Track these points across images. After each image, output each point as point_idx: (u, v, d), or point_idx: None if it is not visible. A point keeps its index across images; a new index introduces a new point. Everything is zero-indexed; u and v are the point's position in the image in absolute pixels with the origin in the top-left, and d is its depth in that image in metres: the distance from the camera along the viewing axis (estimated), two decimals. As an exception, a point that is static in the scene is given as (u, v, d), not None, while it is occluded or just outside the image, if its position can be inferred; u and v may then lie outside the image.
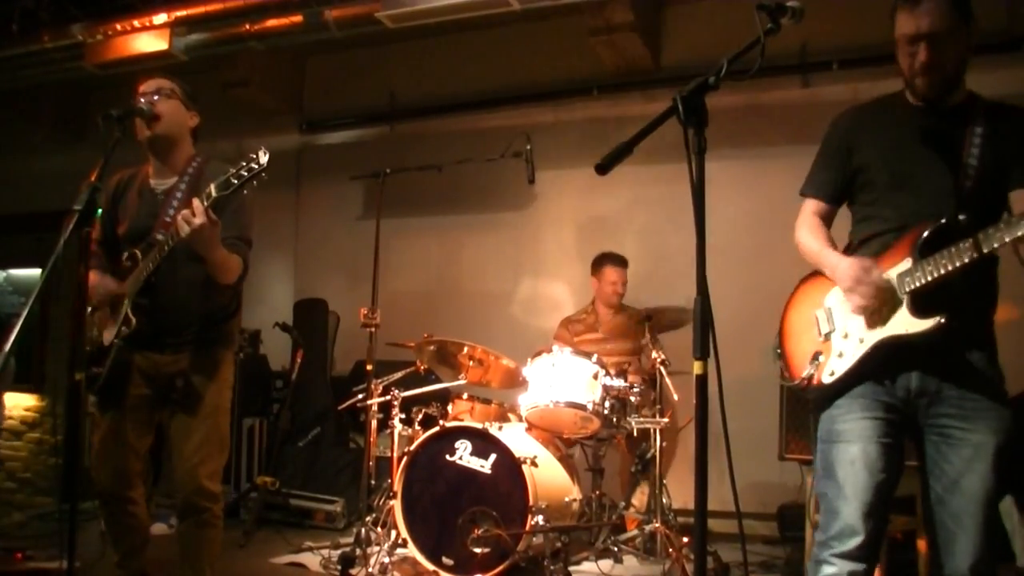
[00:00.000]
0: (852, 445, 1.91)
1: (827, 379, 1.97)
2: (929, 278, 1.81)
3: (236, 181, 2.33)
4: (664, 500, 3.78)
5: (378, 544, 3.61)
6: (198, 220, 2.33)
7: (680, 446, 4.54)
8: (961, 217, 1.84)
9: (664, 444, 3.81)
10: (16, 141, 6.75)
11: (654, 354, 3.90)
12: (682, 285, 3.86)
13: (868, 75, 4.51)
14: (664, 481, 3.82)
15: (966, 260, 1.75)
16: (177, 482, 2.62)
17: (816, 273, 2.13)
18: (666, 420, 3.79)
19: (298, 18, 4.80)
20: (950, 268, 1.77)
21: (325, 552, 3.87)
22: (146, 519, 2.77)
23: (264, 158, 2.31)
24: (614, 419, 3.73)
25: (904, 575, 3.21)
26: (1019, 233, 1.68)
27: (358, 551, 3.60)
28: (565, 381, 3.65)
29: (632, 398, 3.79)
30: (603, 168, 1.67)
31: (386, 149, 5.79)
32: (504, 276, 5.53)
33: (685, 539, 3.62)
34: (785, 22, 1.67)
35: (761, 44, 1.66)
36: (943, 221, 1.85)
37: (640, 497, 4.13)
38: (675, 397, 3.82)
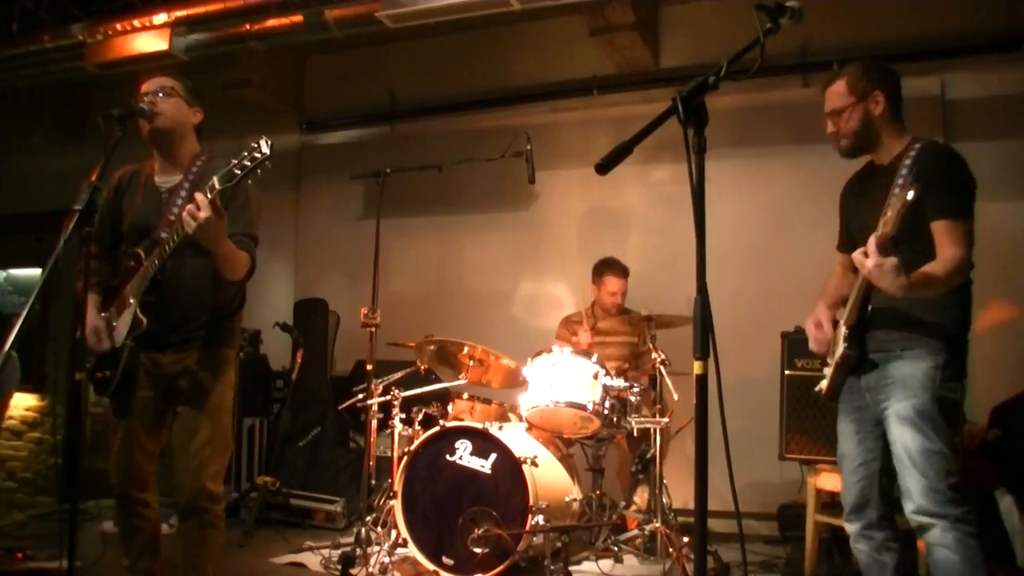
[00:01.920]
0: (842, 443, 2.47)
1: (825, 392, 2.51)
2: (851, 314, 2.32)
3: (239, 172, 2.31)
4: (664, 500, 3.78)
5: (378, 544, 3.61)
6: (203, 213, 2.31)
7: (680, 446, 4.54)
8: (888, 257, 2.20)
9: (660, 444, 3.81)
10: (16, 141, 6.75)
11: (654, 354, 3.90)
12: (682, 284, 3.87)
13: (868, 75, 4.52)
14: (664, 481, 3.82)
15: (859, 294, 2.28)
16: (179, 483, 2.61)
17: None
18: (666, 420, 3.79)
19: (298, 18, 4.80)
20: (859, 302, 2.29)
21: (325, 552, 3.87)
22: (158, 521, 2.76)
23: (266, 147, 2.30)
24: (614, 419, 3.73)
25: (904, 575, 3.21)
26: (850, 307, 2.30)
27: (358, 551, 3.60)
28: (565, 381, 3.65)
29: (632, 398, 3.79)
30: (603, 168, 1.67)
31: (386, 149, 5.79)
32: (504, 276, 5.53)
33: (685, 539, 3.62)
34: (785, 22, 1.68)
35: (761, 44, 1.66)
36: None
37: (640, 497, 4.13)
38: (675, 397, 3.82)
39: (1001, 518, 3.38)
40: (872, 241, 2.01)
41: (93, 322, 2.62)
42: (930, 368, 2.21)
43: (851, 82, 2.37)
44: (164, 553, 2.75)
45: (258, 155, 2.30)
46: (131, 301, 2.58)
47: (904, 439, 2.20)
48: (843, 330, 2.34)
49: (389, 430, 3.87)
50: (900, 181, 2.24)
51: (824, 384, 2.50)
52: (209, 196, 2.33)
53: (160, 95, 2.64)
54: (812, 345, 2.51)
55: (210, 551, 2.64)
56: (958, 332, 2.28)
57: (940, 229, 2.20)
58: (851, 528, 2.41)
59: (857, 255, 2.06)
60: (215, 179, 2.33)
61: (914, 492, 2.17)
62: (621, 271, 4.56)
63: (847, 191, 2.58)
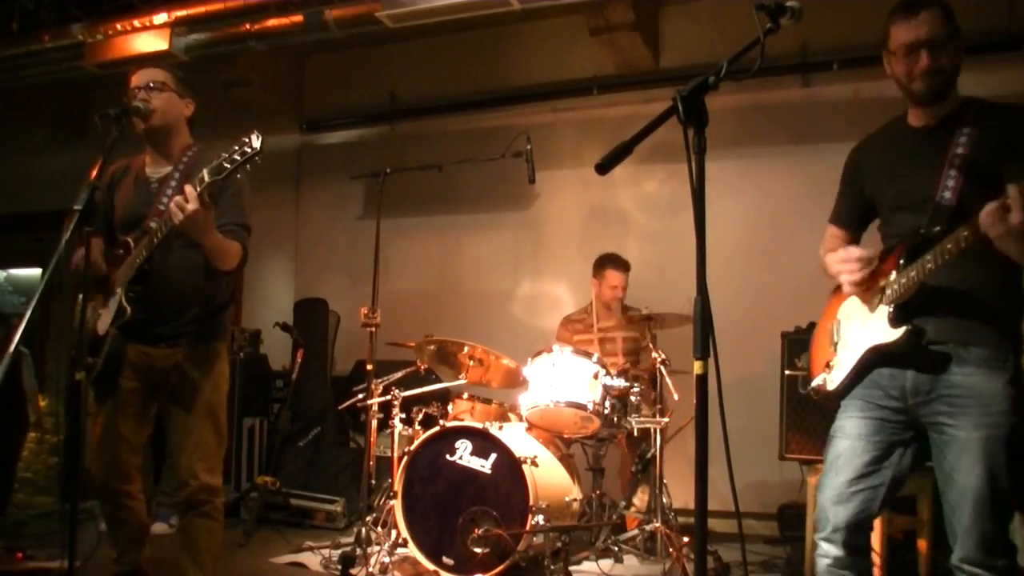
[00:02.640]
0: (842, 441, 2.05)
1: (831, 386, 2.12)
2: (904, 290, 1.93)
3: (229, 165, 2.33)
4: (664, 500, 3.78)
5: (378, 544, 3.61)
6: (191, 206, 2.32)
7: (680, 446, 4.54)
8: (936, 228, 1.92)
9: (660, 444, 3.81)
10: (16, 141, 6.76)
11: (654, 354, 3.90)
12: (682, 284, 3.87)
13: (868, 75, 4.51)
14: (664, 481, 3.82)
15: (930, 269, 1.86)
16: (177, 478, 2.63)
17: (837, 286, 2.22)
18: (666, 420, 3.79)
19: (298, 18, 4.80)
20: (921, 279, 1.89)
21: (325, 552, 3.87)
22: (143, 514, 2.77)
23: (257, 141, 2.31)
24: (614, 419, 3.73)
25: (904, 575, 3.22)
26: (949, 247, 1.81)
27: (358, 551, 3.60)
28: (565, 381, 3.65)
29: (632, 398, 3.79)
30: (603, 168, 1.67)
31: (386, 149, 5.79)
32: (504, 276, 5.53)
33: (685, 539, 3.62)
34: (785, 22, 1.67)
35: (761, 44, 1.66)
36: (921, 232, 1.94)
37: (641, 497, 4.13)
38: (675, 397, 3.82)
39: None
40: (1017, 192, 1.65)
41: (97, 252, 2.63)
42: (1009, 384, 1.88)
43: (949, 14, 1.99)
44: (163, 553, 2.75)
45: (248, 150, 2.32)
46: (118, 290, 2.59)
47: (973, 477, 1.84)
48: (887, 309, 1.96)
49: (389, 430, 3.87)
50: (963, 140, 1.96)
51: (831, 378, 2.12)
52: (198, 189, 2.34)
53: (151, 90, 2.65)
54: (848, 275, 2.03)
55: (210, 543, 2.64)
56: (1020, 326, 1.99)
57: None
58: (830, 550, 2.00)
59: (994, 208, 1.68)
60: (205, 172, 2.35)
61: (969, 540, 1.85)
62: (622, 265, 4.57)
63: (869, 154, 2.21)
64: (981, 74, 4.50)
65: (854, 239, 2.27)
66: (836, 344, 2.14)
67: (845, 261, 2.04)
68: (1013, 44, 4.37)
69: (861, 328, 2.06)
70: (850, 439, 2.02)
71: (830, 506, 2.01)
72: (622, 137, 1.66)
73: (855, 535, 1.99)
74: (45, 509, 5.24)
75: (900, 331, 1.93)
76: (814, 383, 2.18)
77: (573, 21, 5.17)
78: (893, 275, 1.98)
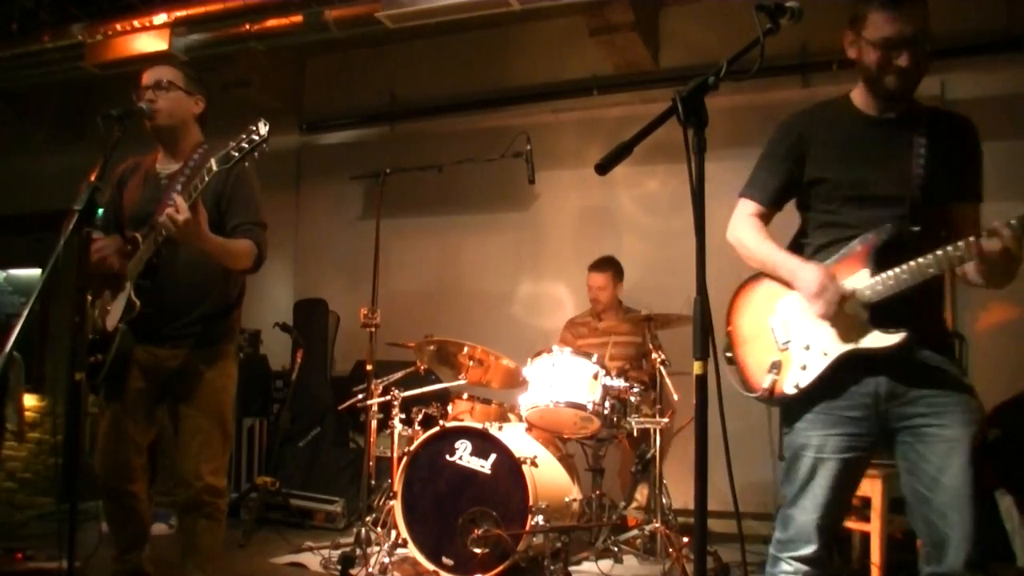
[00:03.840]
0: (815, 459, 1.94)
1: (791, 390, 1.98)
2: (889, 292, 1.86)
3: (237, 154, 2.32)
4: (664, 500, 3.78)
5: (378, 544, 3.61)
6: (181, 216, 2.32)
7: (680, 446, 4.54)
8: (915, 228, 1.89)
9: (660, 444, 3.81)
10: (16, 141, 6.75)
11: (654, 355, 3.90)
12: (682, 285, 3.86)
13: (868, 75, 4.52)
14: (664, 481, 3.82)
15: (929, 275, 1.81)
16: (181, 478, 2.62)
17: (759, 275, 2.15)
18: (666, 420, 3.79)
19: (298, 18, 4.80)
20: (911, 283, 1.83)
21: (325, 552, 3.87)
22: (147, 514, 2.76)
23: (264, 129, 2.30)
24: (614, 419, 3.73)
25: (904, 575, 3.22)
26: (957, 254, 1.77)
27: (358, 551, 3.60)
28: (565, 381, 3.65)
29: (632, 398, 3.79)
30: (603, 168, 1.67)
31: (386, 149, 5.79)
32: (504, 276, 5.53)
33: (685, 539, 3.62)
34: (784, 22, 1.67)
35: (761, 44, 1.66)
36: (894, 231, 1.89)
37: (642, 491, 4.13)
38: (675, 397, 3.82)
39: (1001, 518, 3.38)
40: None
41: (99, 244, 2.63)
42: (969, 384, 1.89)
43: (927, 9, 1.91)
44: (163, 553, 2.74)
45: (256, 137, 2.31)
46: (127, 284, 2.59)
47: (966, 477, 1.81)
48: (863, 312, 1.88)
49: (389, 430, 3.87)
50: (923, 141, 1.92)
51: (787, 380, 1.97)
52: (191, 197, 2.34)
53: (157, 90, 2.66)
54: (825, 306, 1.90)
55: (211, 544, 2.64)
56: None
57: (972, 213, 1.97)
58: (807, 569, 1.94)
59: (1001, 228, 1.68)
60: (213, 161, 2.35)
61: (968, 545, 1.80)
62: (600, 266, 4.57)
63: (814, 131, 2.06)
64: (980, 74, 4.52)
65: (768, 219, 2.17)
66: (787, 343, 2.00)
67: (827, 290, 1.90)
68: (1013, 44, 4.37)
69: (826, 328, 1.93)
70: (824, 455, 1.92)
71: (812, 528, 1.92)
72: (622, 137, 1.66)
73: (829, 548, 1.95)
74: (45, 509, 5.24)
75: (897, 337, 1.85)
76: (764, 385, 2.00)
77: (573, 21, 5.17)
78: (863, 275, 1.90)
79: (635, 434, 3.89)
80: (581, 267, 4.80)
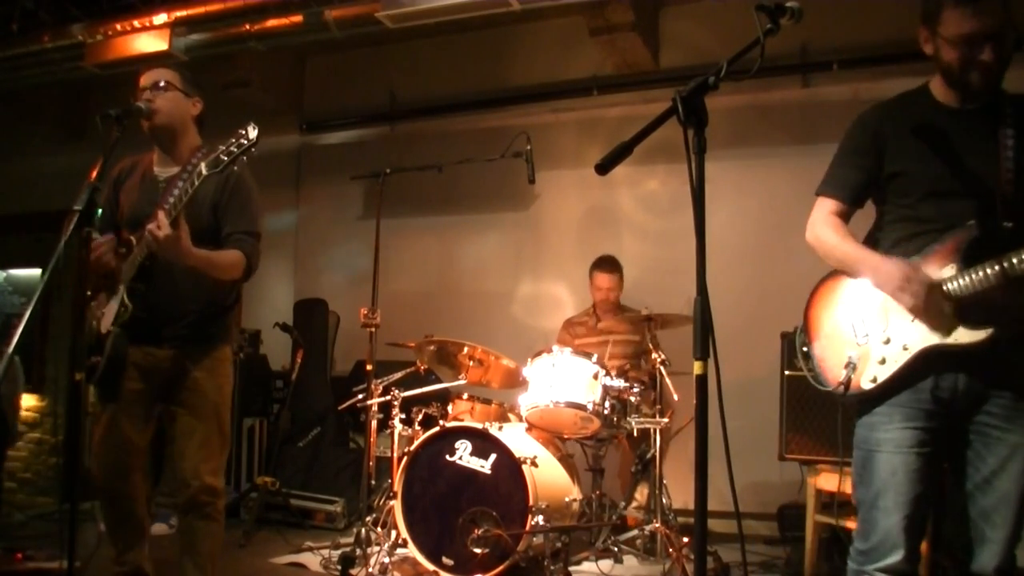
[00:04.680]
0: (894, 456, 1.87)
1: (867, 385, 1.92)
2: (978, 287, 1.79)
3: (226, 158, 2.32)
4: (664, 500, 3.78)
5: (378, 544, 3.61)
6: (163, 232, 2.33)
7: (680, 446, 4.55)
8: (1007, 224, 1.82)
9: (660, 443, 3.81)
10: (16, 141, 6.75)
11: (654, 355, 3.90)
12: (682, 285, 3.87)
13: (868, 75, 4.52)
14: (664, 481, 3.82)
15: (1021, 273, 1.73)
16: (179, 479, 2.61)
17: (836, 272, 2.09)
18: (666, 420, 3.79)
19: (298, 18, 4.80)
20: (1001, 280, 1.76)
21: (325, 552, 3.87)
22: (145, 516, 2.76)
23: (253, 132, 2.31)
24: (614, 419, 3.73)
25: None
26: None
27: (358, 551, 3.60)
28: (565, 381, 3.65)
29: (632, 398, 3.79)
30: (603, 168, 1.67)
31: (386, 149, 5.79)
32: (504, 276, 5.53)
33: (685, 539, 3.62)
34: (784, 22, 1.67)
35: (761, 44, 1.66)
36: (982, 227, 1.83)
37: (641, 491, 4.13)
38: (675, 397, 3.82)
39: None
40: None
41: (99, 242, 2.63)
42: None
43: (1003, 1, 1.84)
44: (163, 553, 2.74)
45: (245, 141, 2.32)
46: (120, 287, 2.59)
47: (1021, 484, 1.81)
48: (946, 306, 1.81)
49: (389, 430, 3.87)
50: (1011, 132, 1.86)
51: (864, 375, 1.91)
52: (172, 214, 2.35)
53: (156, 91, 2.66)
54: (912, 299, 1.84)
55: (211, 545, 2.64)
56: None
57: None
58: None
59: None
60: (202, 165, 2.36)
61: (1006, 549, 1.81)
62: (609, 267, 4.56)
63: (893, 126, 1.99)
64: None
65: (848, 216, 2.09)
66: (865, 337, 1.95)
67: (912, 283, 1.84)
68: (1013, 44, 4.35)
69: (908, 323, 1.88)
70: (903, 449, 1.86)
71: (899, 531, 1.83)
72: (622, 137, 1.66)
73: (917, 555, 1.88)
74: (45, 509, 5.24)
75: (983, 334, 1.78)
76: (841, 379, 1.94)
77: (573, 21, 5.17)
78: (950, 269, 1.84)
79: (635, 434, 3.89)
80: (581, 267, 4.81)
